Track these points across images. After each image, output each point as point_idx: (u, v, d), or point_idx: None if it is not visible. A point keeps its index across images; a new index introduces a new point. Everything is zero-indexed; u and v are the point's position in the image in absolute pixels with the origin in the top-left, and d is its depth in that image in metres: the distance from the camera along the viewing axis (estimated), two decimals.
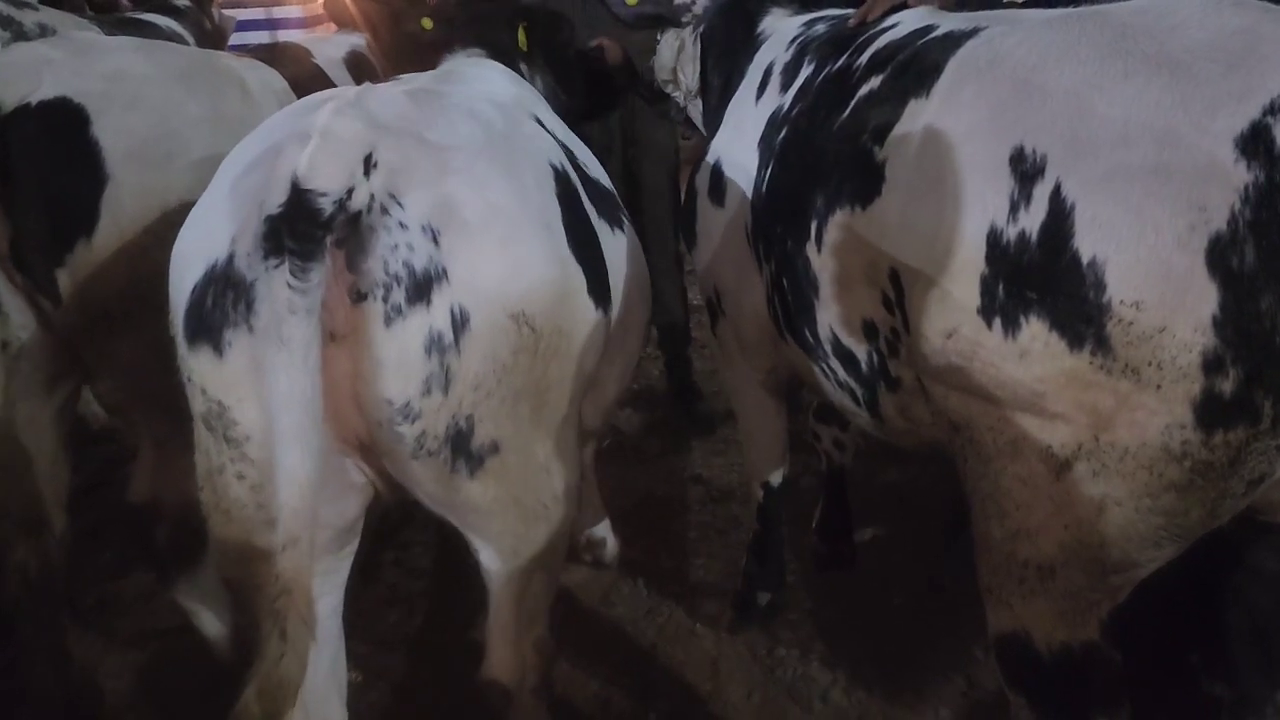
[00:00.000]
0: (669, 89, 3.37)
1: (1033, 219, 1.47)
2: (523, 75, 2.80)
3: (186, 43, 4.07)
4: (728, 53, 2.94)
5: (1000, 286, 1.51)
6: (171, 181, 2.05)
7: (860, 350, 2.00)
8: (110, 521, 3.46)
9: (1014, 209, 1.50)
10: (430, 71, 2.40)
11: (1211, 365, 1.35)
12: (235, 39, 4.95)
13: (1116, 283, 1.38)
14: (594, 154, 2.47)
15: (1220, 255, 1.32)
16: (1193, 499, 1.46)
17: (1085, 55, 1.54)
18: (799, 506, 3.66)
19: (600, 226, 2.02)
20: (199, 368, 1.56)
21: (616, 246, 2.10)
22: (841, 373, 2.10)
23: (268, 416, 1.50)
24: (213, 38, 4.52)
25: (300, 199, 1.43)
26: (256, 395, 1.51)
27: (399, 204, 1.53)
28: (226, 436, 1.57)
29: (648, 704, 2.78)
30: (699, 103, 3.26)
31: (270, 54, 3.54)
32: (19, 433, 2.34)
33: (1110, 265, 1.39)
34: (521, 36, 2.97)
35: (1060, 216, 1.44)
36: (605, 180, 2.25)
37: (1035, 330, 1.47)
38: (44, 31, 3.34)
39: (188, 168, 2.22)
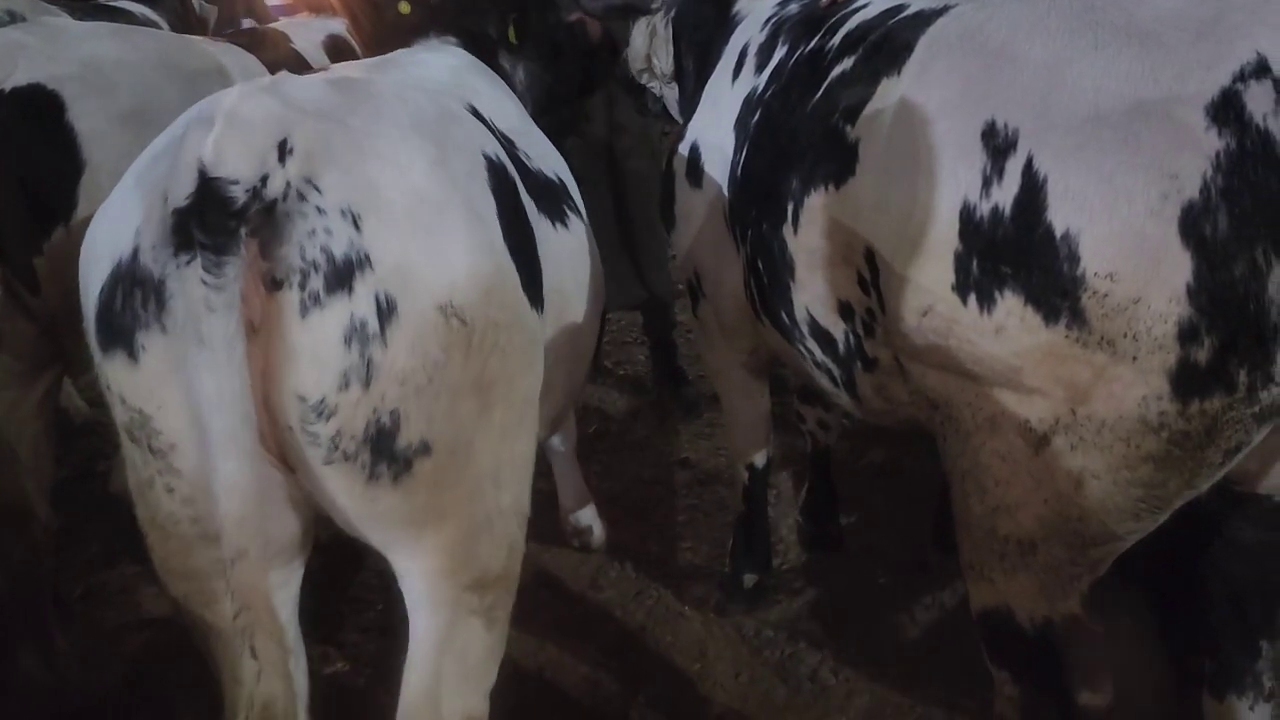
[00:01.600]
0: (644, 78, 3.35)
1: (1005, 193, 1.47)
2: (502, 65, 2.72)
3: (161, 29, 4.04)
4: (701, 36, 2.93)
5: (974, 263, 1.52)
6: None
7: (837, 331, 2.00)
8: (95, 513, 3.46)
9: (986, 184, 1.50)
10: (364, 60, 2.30)
11: (1187, 335, 1.36)
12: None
13: (1090, 255, 1.38)
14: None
15: (1193, 224, 1.33)
16: (1171, 470, 1.47)
17: (1055, 28, 1.54)
18: (785, 487, 3.69)
19: (539, 221, 1.91)
20: (115, 374, 1.45)
21: (558, 241, 1.98)
22: (819, 353, 2.10)
23: (193, 423, 1.41)
24: (195, 29, 4.48)
25: (209, 188, 1.33)
26: (178, 401, 1.42)
27: (316, 188, 1.41)
28: (151, 447, 1.46)
29: (637, 686, 2.79)
30: (674, 88, 3.25)
31: (248, 39, 3.52)
32: (3, 423, 2.33)
33: (1084, 237, 1.39)
34: (512, 31, 2.94)
35: (1033, 190, 1.44)
36: (551, 172, 2.12)
37: (1010, 305, 1.47)
38: (13, 19, 3.30)
39: None
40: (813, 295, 2.02)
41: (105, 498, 2.68)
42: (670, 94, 3.33)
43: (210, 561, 1.52)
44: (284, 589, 1.67)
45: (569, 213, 2.11)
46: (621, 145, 4.22)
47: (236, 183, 1.34)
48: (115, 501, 2.68)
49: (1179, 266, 1.33)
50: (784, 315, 2.15)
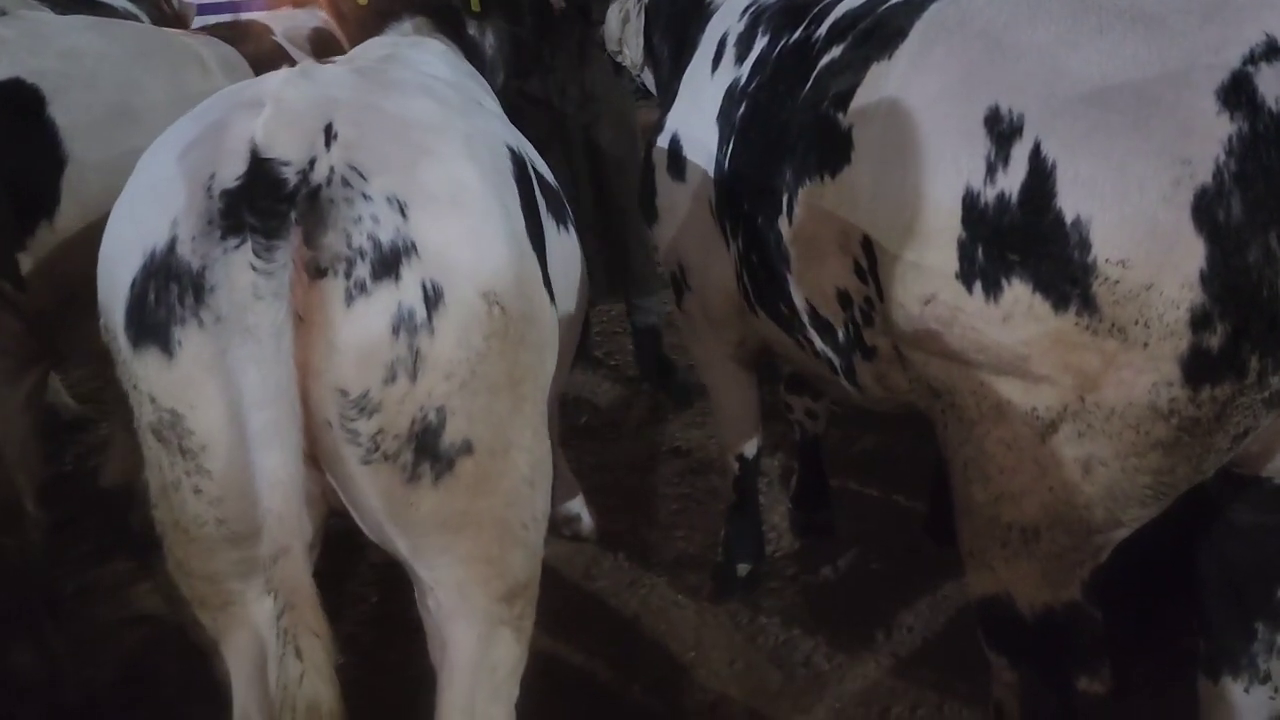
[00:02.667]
0: (618, 59, 3.33)
1: (1012, 180, 1.46)
2: (473, 36, 2.69)
3: (141, 22, 3.99)
4: (676, 24, 2.91)
5: (979, 250, 1.51)
6: (133, 160, 1.99)
7: (836, 320, 1.99)
8: (86, 511, 3.43)
9: (991, 170, 1.49)
10: (370, 53, 2.26)
11: (1199, 321, 1.35)
12: (199, 21, 4.84)
13: (1101, 241, 1.37)
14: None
15: (1206, 209, 1.32)
16: (1179, 456, 1.47)
17: (1056, 12, 1.52)
18: (776, 475, 3.69)
19: (547, 221, 1.87)
20: (146, 373, 1.40)
21: (558, 240, 1.94)
22: (818, 343, 2.09)
23: (228, 421, 1.37)
24: (172, 23, 4.42)
25: (261, 169, 1.31)
26: (213, 398, 1.37)
27: (361, 175, 1.38)
28: (181, 448, 1.42)
29: (632, 675, 2.79)
30: (649, 75, 3.23)
31: (229, 31, 3.47)
32: None
33: (1095, 224, 1.38)
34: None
35: (1041, 176, 1.43)
36: (548, 174, 2.10)
37: (1018, 293, 1.46)
38: None
39: (148, 145, 2.18)
40: (810, 286, 2.00)
41: (96, 495, 2.65)
42: (646, 77, 3.31)
43: (231, 563, 1.51)
44: None
45: (565, 212, 2.10)
46: (598, 127, 4.16)
47: (288, 164, 1.32)
48: (106, 498, 2.65)
49: (1192, 252, 1.33)
50: (781, 307, 2.14)
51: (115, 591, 3.20)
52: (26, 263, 2.11)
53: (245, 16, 5.34)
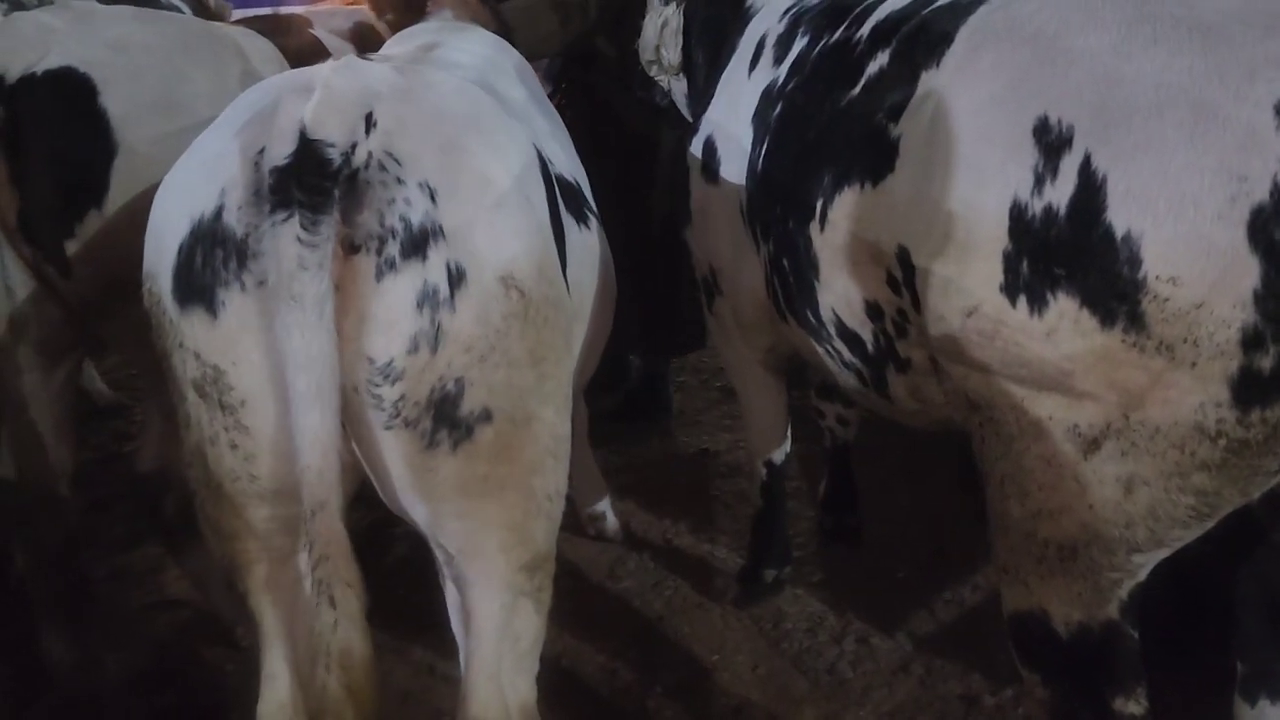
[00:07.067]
0: (653, 70, 3.32)
1: (1060, 192, 1.44)
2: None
3: (183, 13, 4.03)
4: (715, 27, 2.89)
5: (1025, 263, 1.48)
6: (179, 149, 2.03)
7: (865, 331, 1.97)
8: (119, 495, 3.47)
9: (1039, 182, 1.47)
10: (408, 47, 2.35)
11: (1251, 341, 1.33)
12: (238, 15, 4.88)
13: (1153, 257, 1.35)
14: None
15: (1262, 228, 1.29)
16: (1225, 478, 1.44)
17: (1109, 20, 1.50)
18: (805, 479, 3.67)
19: (565, 216, 1.96)
20: (191, 331, 1.51)
21: (578, 238, 2.03)
22: (846, 354, 2.07)
23: (267, 380, 1.47)
24: (210, 17, 4.47)
25: (308, 149, 1.40)
26: (254, 357, 1.48)
27: (396, 161, 1.49)
28: (221, 402, 1.52)
29: (654, 676, 2.79)
30: (683, 81, 3.22)
31: (268, 24, 3.50)
32: (28, 406, 2.33)
33: (1146, 239, 1.35)
34: None
35: (1091, 189, 1.40)
36: (568, 173, 2.17)
37: (1064, 307, 1.44)
38: (42, 3, 3.28)
39: (193, 135, 2.20)
40: (839, 295, 1.99)
41: (129, 480, 2.69)
42: (679, 87, 3.29)
43: (260, 520, 1.61)
44: None
45: (586, 214, 2.16)
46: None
47: (333, 146, 1.42)
48: (139, 483, 2.68)
49: (1246, 271, 1.30)
50: (809, 315, 2.12)
51: (146, 576, 3.24)
52: (73, 249, 2.14)
53: (285, 10, 5.42)
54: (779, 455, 2.98)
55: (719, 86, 2.65)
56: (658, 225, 3.82)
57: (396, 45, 2.41)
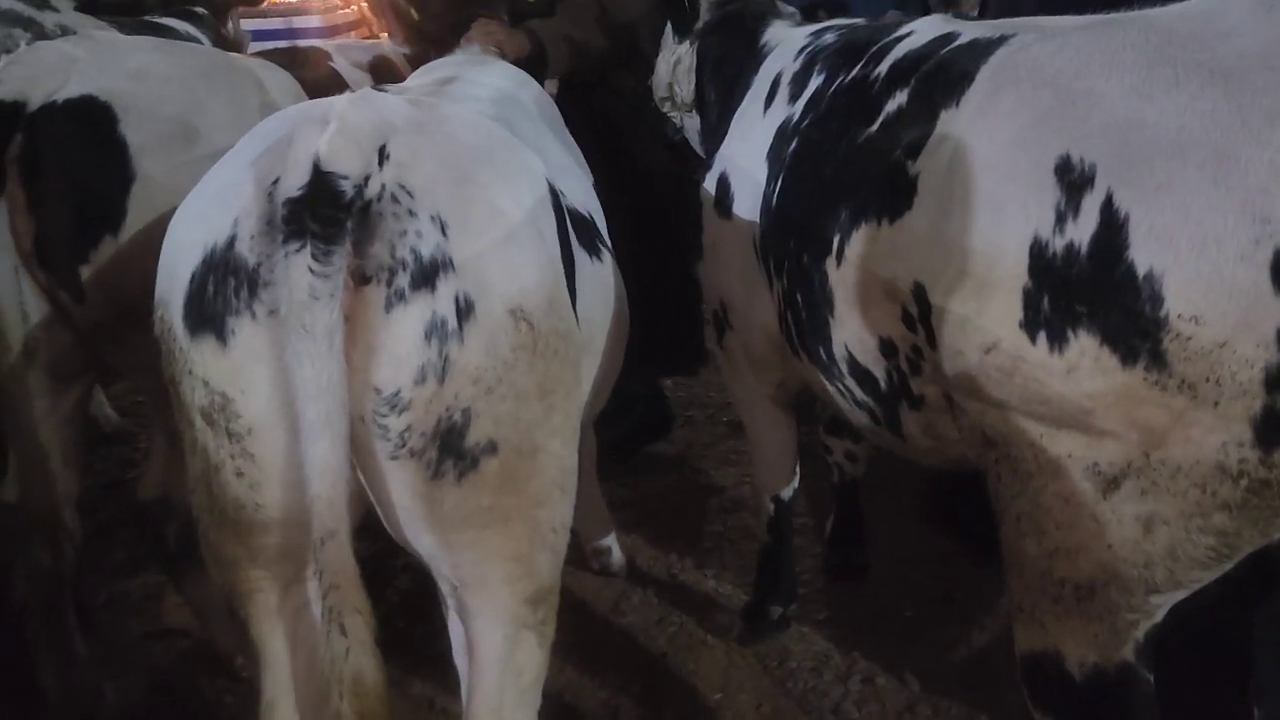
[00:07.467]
0: (666, 106, 3.35)
1: (1082, 230, 1.44)
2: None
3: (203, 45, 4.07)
4: (728, 65, 2.91)
5: (1045, 300, 1.49)
6: (196, 178, 2.05)
7: (878, 368, 1.97)
8: (121, 521, 3.45)
9: (1060, 220, 1.47)
10: (426, 80, 2.39)
11: (1274, 381, 1.32)
12: (255, 47, 4.94)
13: (1175, 296, 1.35)
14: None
15: None
16: (1246, 519, 1.43)
17: (1131, 62, 1.51)
18: (812, 516, 3.66)
19: (577, 250, 1.98)
20: (201, 359, 1.51)
21: (590, 271, 2.04)
22: (859, 391, 2.07)
23: (275, 408, 1.47)
24: (229, 48, 4.52)
25: (323, 180, 1.42)
26: (262, 385, 1.48)
27: (409, 193, 1.50)
28: (229, 430, 1.52)
29: (657, 713, 2.76)
30: (695, 117, 3.25)
31: (287, 57, 3.54)
32: (36, 430, 2.33)
33: (1168, 278, 1.36)
34: None
35: (1113, 228, 1.41)
36: (583, 206, 2.19)
37: (1084, 345, 1.44)
38: (64, 32, 3.31)
39: (211, 164, 2.21)
40: (853, 331, 1.98)
41: (131, 506, 2.68)
42: (691, 123, 3.33)
43: (261, 549, 1.61)
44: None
45: (599, 246, 2.17)
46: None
47: (346, 178, 1.43)
48: (142, 510, 2.67)
49: (1269, 312, 1.30)
50: (822, 351, 2.12)
51: (146, 604, 3.22)
52: (87, 274, 2.15)
53: (304, 43, 5.48)
54: (787, 491, 2.97)
55: (733, 123, 2.67)
56: (657, 243, 3.85)
57: (417, 79, 2.44)
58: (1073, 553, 1.57)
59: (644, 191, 3.76)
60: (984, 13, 3.12)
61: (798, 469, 2.99)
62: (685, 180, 4.02)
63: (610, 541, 3.38)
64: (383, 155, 1.50)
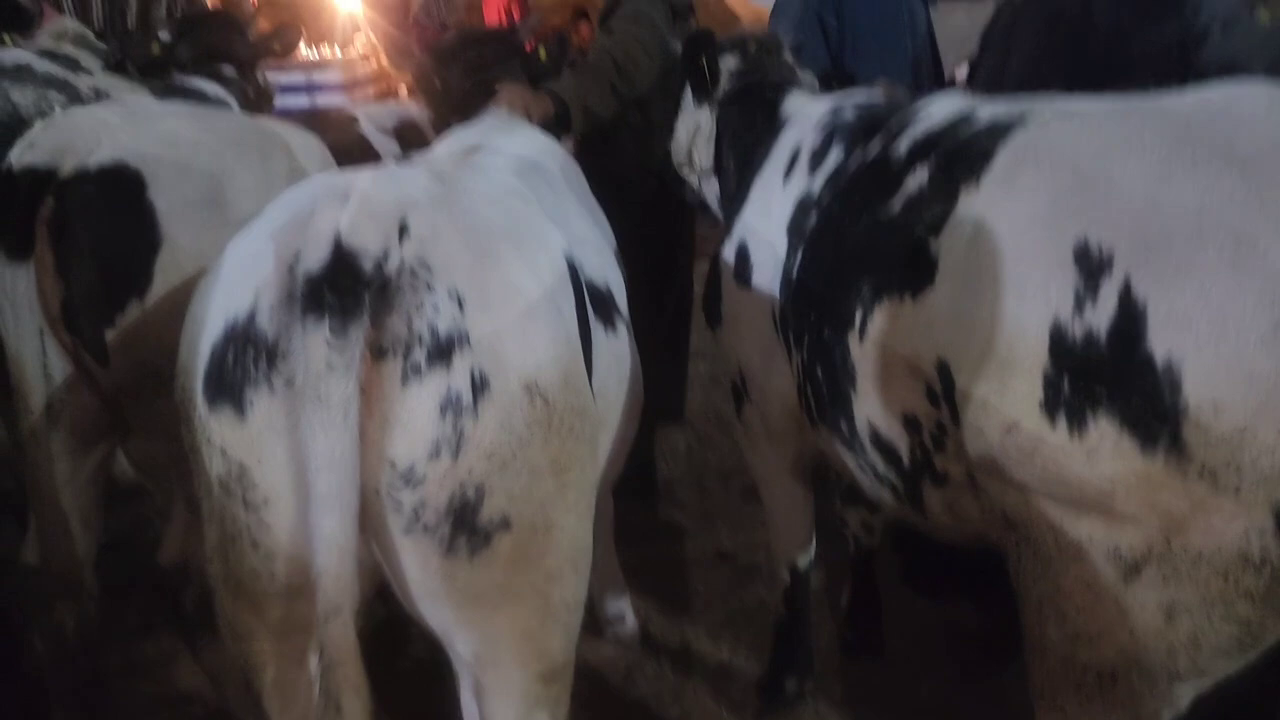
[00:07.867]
0: (684, 170, 3.39)
1: (1100, 315, 1.45)
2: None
3: (230, 108, 4.15)
4: (747, 134, 2.95)
5: (1065, 382, 1.49)
6: (222, 244, 2.08)
7: (901, 444, 1.96)
8: (136, 583, 3.43)
9: (1079, 304, 1.48)
10: (453, 148, 2.42)
11: None
12: (275, 102, 5.02)
13: (1194, 383, 1.35)
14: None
15: None
16: (1270, 607, 1.42)
17: (1150, 146, 1.53)
18: (828, 587, 3.61)
19: (595, 325, 1.98)
20: (219, 428, 1.53)
21: (607, 346, 2.04)
22: (881, 465, 2.06)
23: (291, 480, 1.47)
24: (256, 101, 4.60)
25: (343, 256, 1.45)
26: (279, 457, 1.49)
27: (428, 269, 1.52)
28: (245, 500, 1.53)
29: None
30: (714, 183, 3.28)
31: (316, 120, 3.60)
32: (59, 492, 2.34)
33: (1187, 365, 1.36)
34: (542, 51, 3.04)
35: (1131, 313, 1.41)
36: (601, 279, 2.19)
37: (1104, 429, 1.44)
38: (98, 96, 3.39)
39: (237, 230, 2.24)
40: (876, 406, 1.98)
41: (147, 568, 2.67)
42: (709, 188, 3.35)
43: (275, 620, 1.60)
44: None
45: (617, 321, 2.18)
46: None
47: (366, 254, 1.46)
48: (158, 572, 2.66)
49: None
50: (843, 424, 2.11)
51: (159, 668, 3.18)
52: (111, 338, 2.17)
53: (323, 102, 5.52)
54: (803, 561, 2.95)
55: (752, 192, 2.69)
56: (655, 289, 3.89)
57: (444, 145, 2.47)
58: (1094, 638, 1.55)
59: (635, 246, 3.83)
60: (972, 80, 3.15)
61: (814, 539, 2.95)
62: (679, 239, 4.15)
63: (625, 608, 3.35)
64: (403, 230, 1.53)
